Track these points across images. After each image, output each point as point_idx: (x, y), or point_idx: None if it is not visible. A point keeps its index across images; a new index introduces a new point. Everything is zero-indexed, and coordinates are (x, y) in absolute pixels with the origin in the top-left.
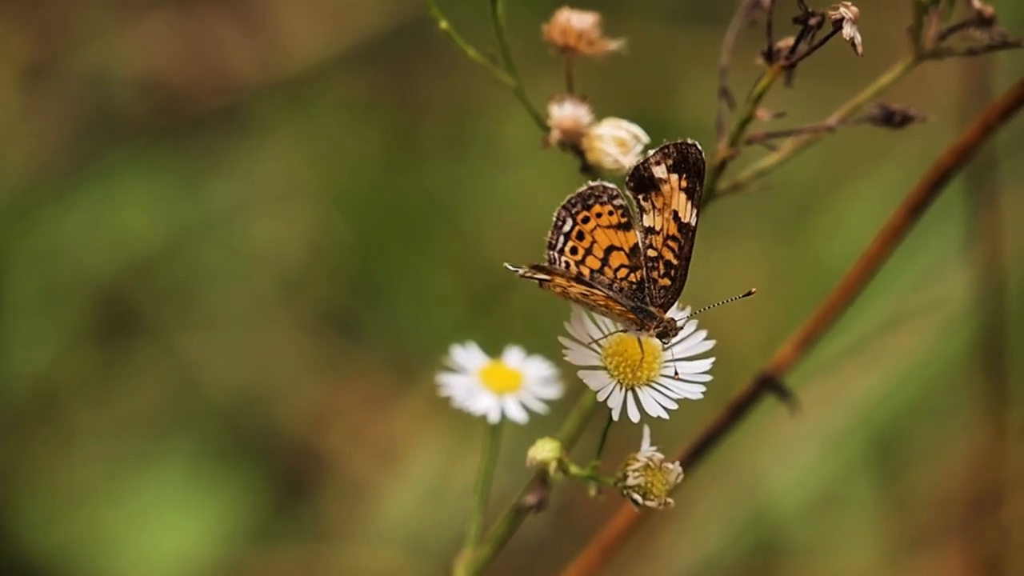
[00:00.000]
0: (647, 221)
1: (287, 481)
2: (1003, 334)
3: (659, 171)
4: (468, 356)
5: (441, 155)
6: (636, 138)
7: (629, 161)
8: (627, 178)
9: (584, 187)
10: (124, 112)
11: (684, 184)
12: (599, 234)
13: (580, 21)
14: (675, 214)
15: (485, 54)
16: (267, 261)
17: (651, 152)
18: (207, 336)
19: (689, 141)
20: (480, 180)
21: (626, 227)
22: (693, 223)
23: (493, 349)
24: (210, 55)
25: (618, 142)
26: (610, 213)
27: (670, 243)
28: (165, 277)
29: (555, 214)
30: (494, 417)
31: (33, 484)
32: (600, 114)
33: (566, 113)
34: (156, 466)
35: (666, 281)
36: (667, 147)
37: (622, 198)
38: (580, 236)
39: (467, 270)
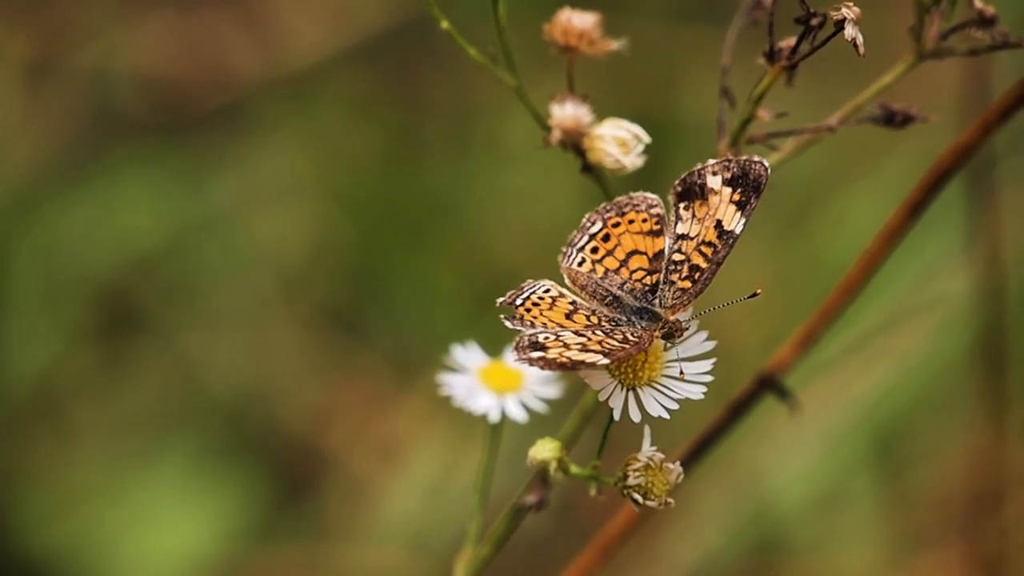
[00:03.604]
0: (681, 228)
1: (288, 479)
2: (1003, 333)
3: (713, 182)
4: (468, 355)
5: (443, 153)
6: (637, 138)
7: (630, 161)
8: (675, 183)
9: (625, 196)
10: (126, 110)
11: (737, 197)
12: (625, 238)
13: (581, 21)
14: (718, 223)
15: (486, 53)
16: (268, 259)
17: (710, 161)
18: (208, 334)
19: (756, 158)
20: (481, 178)
21: (656, 233)
22: (738, 232)
23: (494, 348)
24: (211, 53)
25: (619, 142)
26: (644, 220)
27: (703, 248)
28: (166, 275)
29: (586, 217)
30: (494, 417)
31: (34, 482)
32: (601, 114)
33: (567, 113)
34: (157, 464)
35: (686, 284)
36: (728, 161)
37: (661, 207)
38: (606, 238)
39: (468, 268)
